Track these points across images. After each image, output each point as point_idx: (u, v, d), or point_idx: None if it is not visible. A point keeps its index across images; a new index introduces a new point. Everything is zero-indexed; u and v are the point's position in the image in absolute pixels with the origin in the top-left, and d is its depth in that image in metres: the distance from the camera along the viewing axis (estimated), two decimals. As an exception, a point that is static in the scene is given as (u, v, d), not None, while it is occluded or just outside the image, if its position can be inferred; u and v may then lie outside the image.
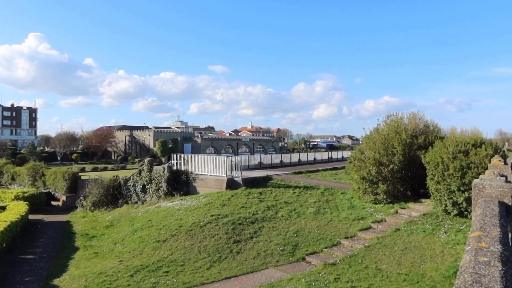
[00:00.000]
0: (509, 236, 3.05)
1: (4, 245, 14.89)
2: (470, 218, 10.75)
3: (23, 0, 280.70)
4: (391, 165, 15.80)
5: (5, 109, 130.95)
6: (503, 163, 8.08)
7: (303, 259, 12.02)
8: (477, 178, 4.82)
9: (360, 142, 20.57)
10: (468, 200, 11.81)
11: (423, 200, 15.58)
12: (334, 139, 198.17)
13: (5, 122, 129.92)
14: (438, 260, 10.30)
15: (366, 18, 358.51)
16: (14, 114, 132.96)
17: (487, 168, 9.08)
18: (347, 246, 12.62)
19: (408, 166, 16.10)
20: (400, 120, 17.98)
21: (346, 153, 45.09)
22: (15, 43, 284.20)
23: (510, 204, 3.86)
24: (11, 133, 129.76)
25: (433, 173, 13.47)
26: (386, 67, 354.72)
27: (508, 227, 3.06)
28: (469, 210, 11.92)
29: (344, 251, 12.17)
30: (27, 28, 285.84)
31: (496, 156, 11.50)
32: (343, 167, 27.21)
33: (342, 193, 18.86)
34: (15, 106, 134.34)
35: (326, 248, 12.59)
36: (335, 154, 45.45)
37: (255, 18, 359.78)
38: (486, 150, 12.88)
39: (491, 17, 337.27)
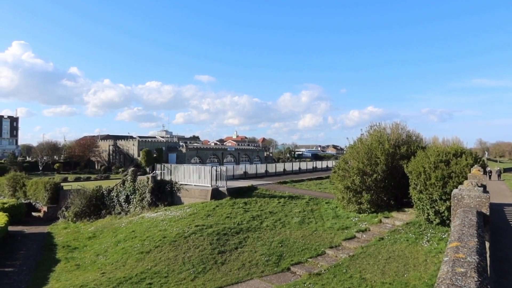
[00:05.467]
0: (487, 246, 3.12)
1: (-19, 258, 14.50)
2: (452, 227, 10.92)
3: (6, 9, 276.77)
4: (375, 175, 15.97)
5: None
6: (482, 172, 8.28)
7: (288, 269, 11.99)
8: (458, 187, 4.92)
9: (344, 152, 20.77)
10: (450, 209, 11.97)
11: (406, 209, 15.76)
12: (319, 148, 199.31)
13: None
14: (421, 268, 10.40)
15: (353, 37, 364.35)
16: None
17: (467, 178, 9.27)
18: (332, 256, 12.65)
19: (391, 175, 16.30)
20: (383, 130, 18.24)
21: (330, 163, 45.38)
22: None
23: (487, 214, 3.94)
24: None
25: (415, 183, 13.66)
26: (371, 78, 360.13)
27: (485, 237, 3.13)
28: (451, 219, 12.09)
29: (328, 260, 12.19)
30: (11, 37, 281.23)
31: (476, 165, 11.77)
32: (328, 177, 27.38)
33: (326, 203, 18.95)
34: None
35: (311, 258, 12.59)
36: (319, 164, 45.67)
37: (242, 34, 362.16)
38: (466, 159, 13.14)
39: (472, 36, 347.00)
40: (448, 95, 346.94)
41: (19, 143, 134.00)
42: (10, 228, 21.80)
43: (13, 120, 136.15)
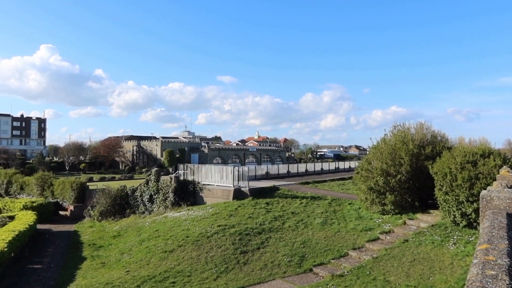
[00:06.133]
0: (518, 249, 3.03)
1: (12, 254, 14.98)
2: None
3: (34, 14, 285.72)
4: (399, 176, 15.72)
5: (14, 119, 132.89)
6: (511, 174, 8.03)
7: (311, 270, 11.93)
8: (486, 189, 4.79)
9: (367, 152, 20.51)
10: (477, 211, 11.69)
11: (431, 211, 15.45)
12: (341, 149, 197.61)
13: (14, 132, 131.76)
14: (447, 272, 10.18)
15: (376, 36, 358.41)
16: (23, 125, 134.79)
17: (495, 179, 9.02)
18: (355, 258, 12.52)
19: (416, 176, 16.01)
20: (407, 131, 17.92)
21: (353, 163, 44.91)
22: (27, 54, 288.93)
23: (518, 216, 3.83)
24: (20, 143, 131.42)
25: (441, 184, 13.37)
26: (394, 78, 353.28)
27: (516, 240, 3.04)
28: (478, 221, 11.79)
29: (352, 262, 12.07)
30: (39, 40, 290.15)
31: (504, 166, 11.42)
32: (351, 177, 27.11)
33: (349, 204, 18.76)
34: (24, 116, 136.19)
35: (333, 259, 12.49)
36: (342, 164, 45.29)
37: (263, 34, 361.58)
38: (494, 160, 12.76)
39: (500, 34, 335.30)
40: (475, 94, 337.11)
41: (47, 143, 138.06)
42: (39, 226, 22.46)
43: (41, 122, 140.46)
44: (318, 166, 40.45)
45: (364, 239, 13.89)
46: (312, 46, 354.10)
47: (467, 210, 12.25)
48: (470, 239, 11.78)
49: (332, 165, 43.48)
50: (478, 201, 11.45)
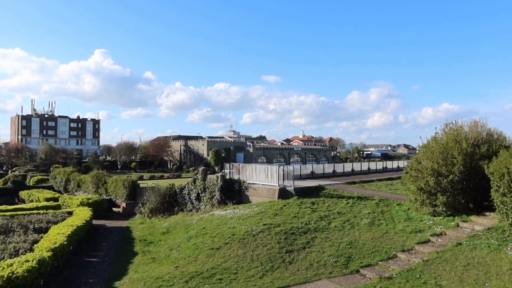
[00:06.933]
0: None
1: (71, 248, 15.88)
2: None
3: (90, 21, 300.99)
4: (451, 176, 15.06)
5: (72, 121, 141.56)
6: None
7: (357, 271, 11.73)
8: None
9: (417, 152, 19.79)
10: (539, 214, 10.96)
11: (487, 213, 14.67)
12: (389, 148, 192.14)
13: (72, 133, 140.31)
14: (505, 278, 9.64)
15: (425, 29, 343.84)
16: (79, 126, 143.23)
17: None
18: (404, 260, 12.16)
19: (469, 176, 15.26)
20: (460, 129, 17.11)
21: (401, 163, 43.52)
22: (82, 59, 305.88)
23: None
24: (77, 143, 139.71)
25: (498, 185, 12.66)
26: (446, 74, 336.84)
27: None
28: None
29: (400, 264, 11.73)
30: (93, 45, 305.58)
31: None
32: (399, 177, 26.32)
33: (398, 204, 18.23)
34: (80, 118, 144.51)
35: (381, 261, 12.20)
36: (390, 164, 43.95)
37: (308, 32, 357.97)
38: (558, 160, 11.91)
39: None
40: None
41: (101, 143, 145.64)
42: (94, 221, 23.65)
43: (95, 123, 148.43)
44: (364, 165, 39.56)
45: (414, 241, 13.46)
46: (357, 42, 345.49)
47: (527, 213, 11.52)
48: (531, 244, 11.08)
49: (380, 165, 42.35)
50: (539, 204, 10.74)
